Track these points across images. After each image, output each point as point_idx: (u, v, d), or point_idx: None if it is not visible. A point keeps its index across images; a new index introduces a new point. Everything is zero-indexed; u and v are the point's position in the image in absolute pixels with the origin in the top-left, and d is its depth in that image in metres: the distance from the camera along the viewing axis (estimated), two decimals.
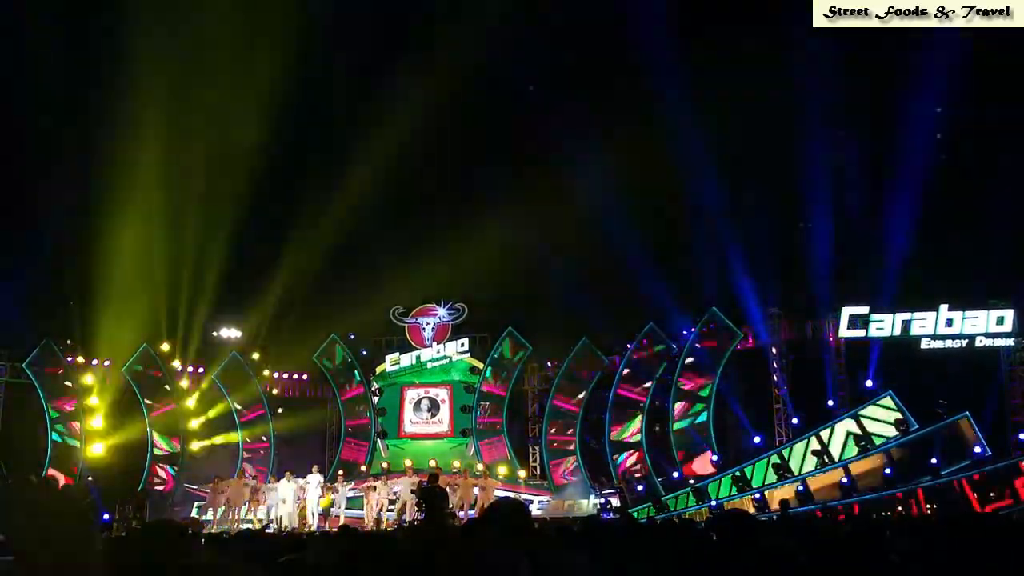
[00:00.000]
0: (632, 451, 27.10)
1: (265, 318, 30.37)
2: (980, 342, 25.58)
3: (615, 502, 24.90)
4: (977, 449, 20.02)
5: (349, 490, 25.15)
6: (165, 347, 29.04)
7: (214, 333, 31.23)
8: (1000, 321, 25.40)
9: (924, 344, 25.86)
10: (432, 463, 25.42)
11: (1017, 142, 25.83)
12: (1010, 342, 25.57)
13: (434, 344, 29.78)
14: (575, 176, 28.93)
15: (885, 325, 26.02)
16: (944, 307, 25.94)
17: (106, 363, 28.59)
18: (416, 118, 28.70)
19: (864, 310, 26.29)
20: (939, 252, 26.61)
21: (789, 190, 28.44)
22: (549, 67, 29.48)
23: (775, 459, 22.38)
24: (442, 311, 29.94)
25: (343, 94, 31.47)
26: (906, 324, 25.86)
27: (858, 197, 27.94)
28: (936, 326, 25.65)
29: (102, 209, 27.17)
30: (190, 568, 3.46)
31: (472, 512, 22.13)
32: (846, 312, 26.16)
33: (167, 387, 28.36)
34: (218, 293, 29.95)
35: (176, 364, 29.21)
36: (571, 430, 28.18)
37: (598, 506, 25.16)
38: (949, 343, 25.71)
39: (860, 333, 26.10)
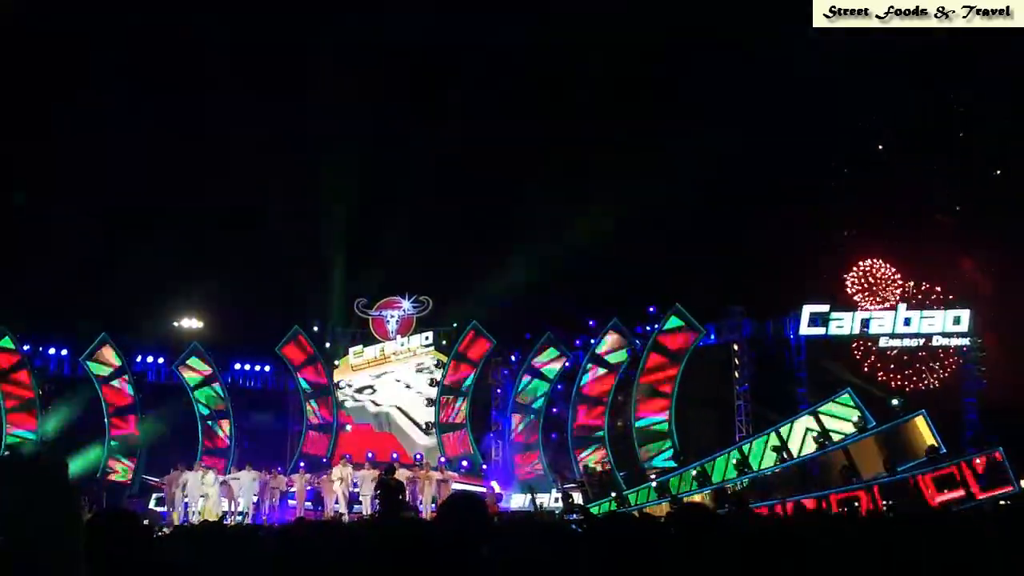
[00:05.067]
0: (595, 445, 27.20)
1: (227, 308, 30.11)
2: (937, 341, 26.07)
3: (577, 496, 24.97)
4: (932, 445, 20.32)
5: (309, 483, 24.99)
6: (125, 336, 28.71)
7: (175, 323, 30.90)
8: (957, 321, 25.88)
9: (883, 342, 26.38)
10: (393, 456, 25.39)
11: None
12: (966, 341, 26.04)
13: (398, 337, 29.69)
14: (536, 164, 29.00)
15: (845, 323, 26.43)
16: (902, 306, 26.47)
17: (63, 352, 28.21)
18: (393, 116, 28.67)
19: (824, 308, 26.66)
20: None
21: (753, 189, 28.78)
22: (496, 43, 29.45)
23: (736, 455, 22.56)
24: (406, 304, 29.85)
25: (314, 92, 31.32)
26: (865, 322, 26.30)
27: (820, 197, 28.38)
28: (894, 325, 26.09)
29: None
30: (153, 564, 3.42)
31: (433, 506, 22.11)
32: (807, 310, 26.49)
33: (126, 377, 27.96)
34: (179, 282, 29.71)
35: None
36: (534, 424, 28.22)
37: (559, 500, 25.24)
38: (907, 341, 26.20)
39: (820, 331, 26.45)
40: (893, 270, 27.79)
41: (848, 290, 28.00)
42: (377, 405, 29.79)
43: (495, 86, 29.42)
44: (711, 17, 26.26)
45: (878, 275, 27.98)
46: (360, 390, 29.95)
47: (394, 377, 29.78)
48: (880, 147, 28.75)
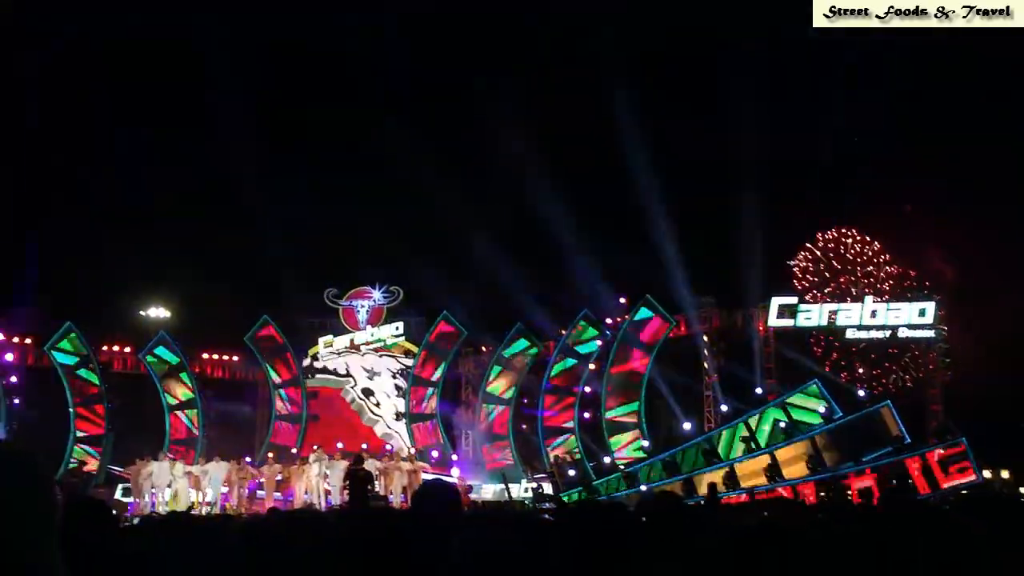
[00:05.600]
0: (565, 436, 27.28)
1: (195, 298, 29.84)
2: (903, 333, 26.41)
3: (547, 487, 25.05)
4: (897, 436, 20.59)
5: (279, 473, 24.82)
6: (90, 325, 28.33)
7: (142, 312, 30.55)
8: (922, 313, 26.23)
9: (849, 334, 26.71)
10: (362, 446, 25.30)
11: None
12: (931, 333, 26.40)
13: (368, 327, 29.54)
14: (511, 160, 29.00)
15: (813, 315, 26.71)
16: (869, 298, 26.81)
17: (27, 341, 27.80)
18: (347, 95, 28.50)
19: (793, 300, 26.93)
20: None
21: (723, 182, 28.95)
22: (483, 45, 29.49)
23: (704, 445, 22.73)
24: (377, 294, 29.70)
25: (271, 75, 31.14)
26: (833, 314, 26.58)
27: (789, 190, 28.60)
28: (861, 317, 26.39)
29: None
30: (123, 553, 3.38)
31: (403, 496, 22.09)
32: (775, 302, 26.73)
33: (92, 366, 27.61)
34: (147, 271, 29.41)
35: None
36: (505, 415, 28.24)
37: (529, 490, 25.32)
38: (873, 333, 26.53)
39: (789, 322, 26.70)
40: (878, 246, 27.94)
41: (798, 272, 28.20)
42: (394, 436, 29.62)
43: (483, 80, 29.47)
44: (708, 15, 26.43)
45: (848, 249, 28.18)
46: (367, 393, 29.77)
47: (385, 393, 29.67)
48: (856, 139, 28.99)
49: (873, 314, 26.40)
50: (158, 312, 30.48)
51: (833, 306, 26.91)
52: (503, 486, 24.58)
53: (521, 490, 25.57)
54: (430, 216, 31.03)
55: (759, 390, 25.98)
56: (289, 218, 30.28)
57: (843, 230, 28.55)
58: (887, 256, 28.32)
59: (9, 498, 1.53)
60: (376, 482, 21.53)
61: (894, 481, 18.93)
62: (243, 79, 28.84)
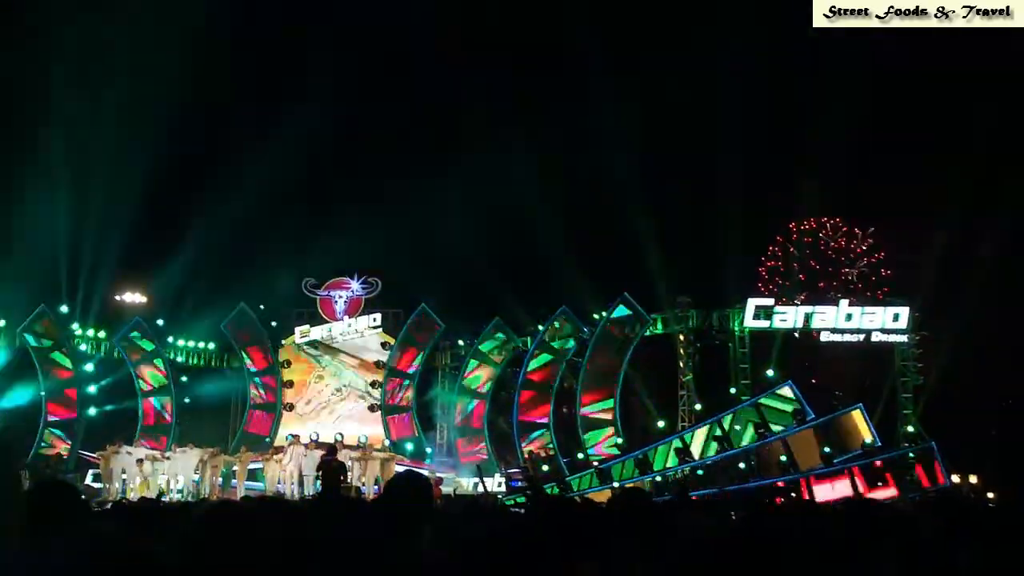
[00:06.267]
0: (539, 431, 27.34)
1: (172, 284, 29.63)
2: (876, 337, 26.64)
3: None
4: (868, 440, 20.76)
5: (251, 462, 24.71)
6: (64, 309, 28.05)
7: (117, 297, 30.31)
8: (896, 318, 26.48)
9: (824, 337, 26.88)
10: (336, 437, 25.24)
11: None
12: (904, 338, 26.65)
13: (346, 318, 29.46)
14: (492, 158, 29.01)
15: (788, 317, 26.88)
16: (844, 302, 27.04)
17: (1, 323, 27.51)
18: (329, 91, 28.43)
19: (769, 302, 27.11)
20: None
21: (703, 183, 29.10)
22: (467, 45, 29.50)
23: (677, 443, 22.84)
24: (355, 284, 29.61)
25: (255, 67, 30.98)
26: (808, 317, 26.78)
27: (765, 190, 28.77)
28: (836, 320, 26.60)
29: None
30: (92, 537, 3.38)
31: (376, 487, 22.05)
32: (751, 303, 26.89)
33: (65, 350, 27.37)
34: (123, 256, 29.16)
35: (75, 327, 28.28)
36: (480, 408, 28.26)
37: (502, 484, 25.34)
38: (847, 336, 26.74)
39: (764, 324, 26.86)
40: (869, 236, 27.96)
41: (764, 273, 28.26)
42: None
43: (469, 76, 29.50)
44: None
45: (830, 247, 28.30)
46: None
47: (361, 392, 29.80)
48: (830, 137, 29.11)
49: (848, 317, 26.62)
50: (134, 297, 30.25)
51: (808, 308, 27.12)
52: (476, 479, 24.59)
53: (495, 484, 25.60)
54: (411, 209, 30.99)
55: (733, 390, 26.18)
56: (270, 205, 30.17)
57: (824, 220, 28.58)
58: (879, 255, 28.42)
59: None
60: (350, 472, 21.49)
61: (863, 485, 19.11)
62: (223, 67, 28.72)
